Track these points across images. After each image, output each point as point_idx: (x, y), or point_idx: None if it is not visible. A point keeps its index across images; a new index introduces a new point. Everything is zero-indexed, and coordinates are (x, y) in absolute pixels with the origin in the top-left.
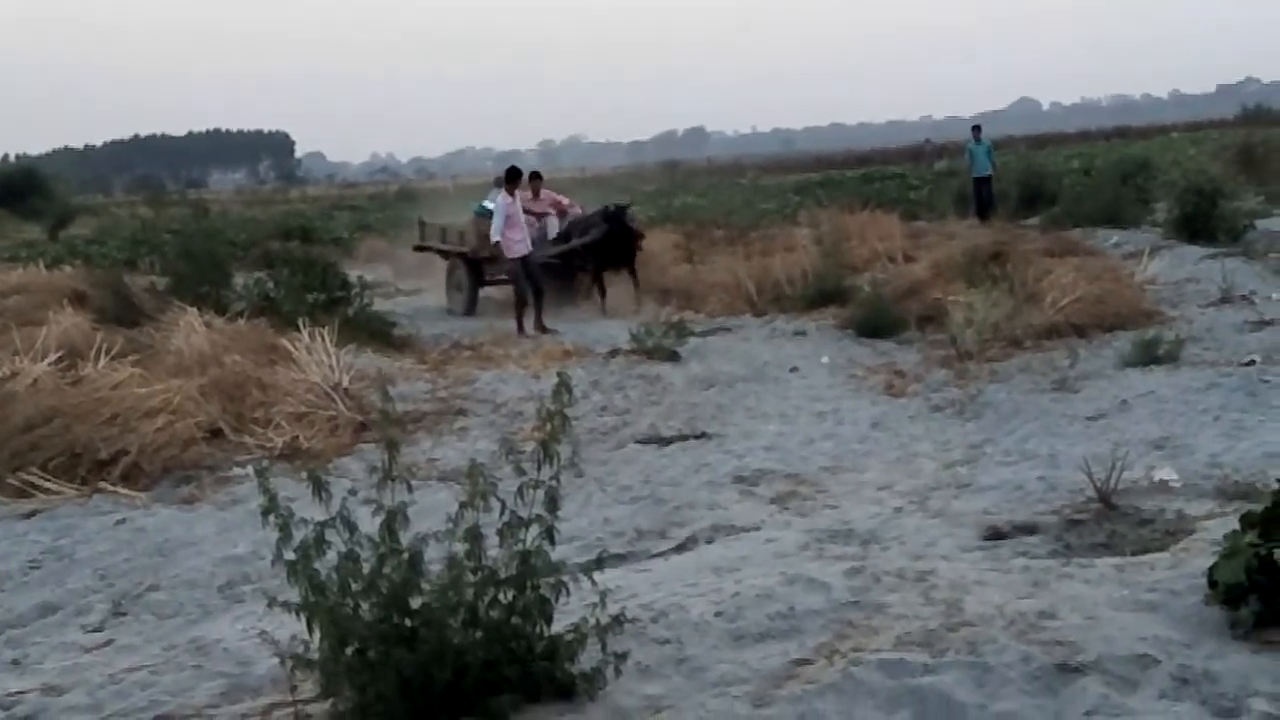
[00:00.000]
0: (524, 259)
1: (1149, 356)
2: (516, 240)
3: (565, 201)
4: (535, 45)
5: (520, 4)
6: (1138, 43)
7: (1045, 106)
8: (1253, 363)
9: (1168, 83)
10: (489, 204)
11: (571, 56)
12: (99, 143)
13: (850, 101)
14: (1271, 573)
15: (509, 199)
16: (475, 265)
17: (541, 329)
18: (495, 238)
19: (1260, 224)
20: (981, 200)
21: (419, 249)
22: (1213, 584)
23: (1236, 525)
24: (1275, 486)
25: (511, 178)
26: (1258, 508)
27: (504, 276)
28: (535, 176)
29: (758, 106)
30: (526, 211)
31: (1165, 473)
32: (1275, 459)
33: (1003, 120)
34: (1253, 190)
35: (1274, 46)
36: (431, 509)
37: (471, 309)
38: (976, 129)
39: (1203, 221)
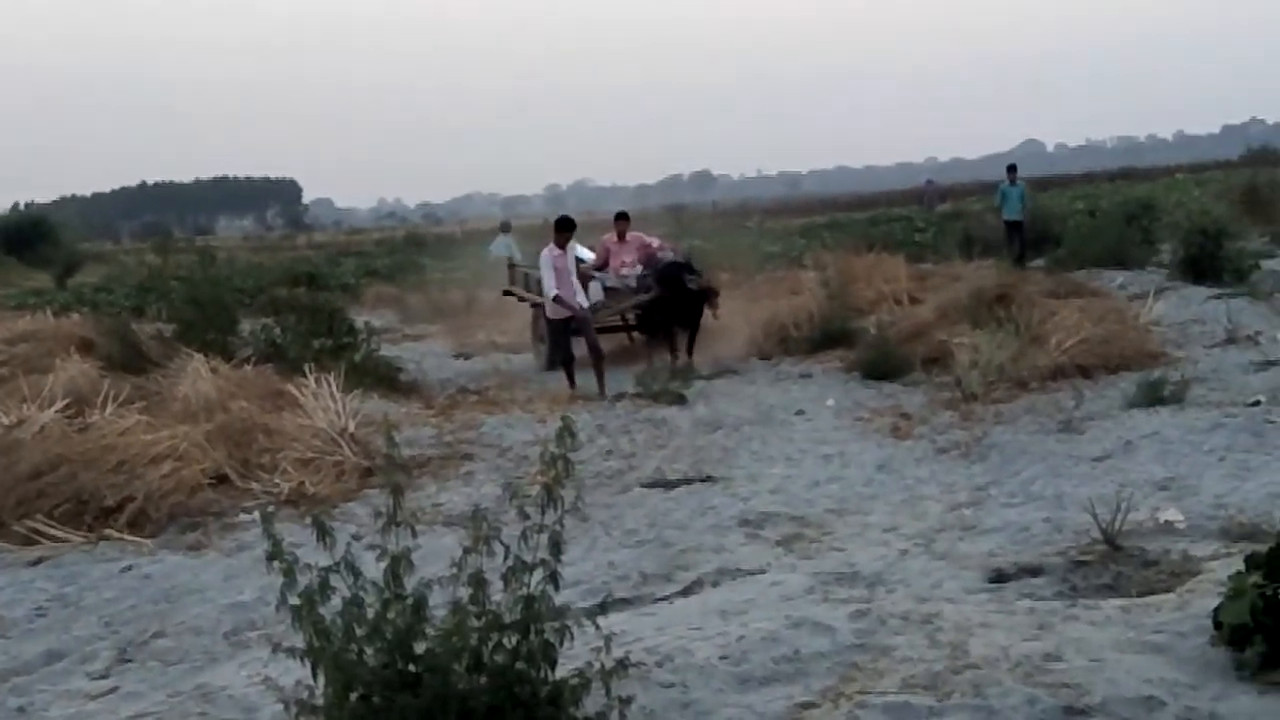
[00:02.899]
0: (572, 318)
1: (1154, 397)
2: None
3: (654, 244)
4: (540, 90)
5: (525, 50)
6: (1142, 84)
7: (1050, 148)
8: (1258, 403)
9: (1172, 124)
10: (492, 248)
11: (577, 101)
12: (107, 190)
13: (856, 144)
14: (1277, 614)
15: (557, 251)
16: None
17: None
18: (551, 294)
19: (1265, 264)
20: (1014, 244)
21: (507, 294)
22: (1218, 625)
23: (1242, 566)
24: None
25: (561, 228)
26: (1263, 548)
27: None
28: (621, 217)
29: (764, 150)
30: (602, 265)
31: (1170, 514)
32: None
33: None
34: (1258, 231)
35: (1279, 87)
36: (436, 554)
37: (554, 365)
38: (1012, 169)
39: (1208, 262)
